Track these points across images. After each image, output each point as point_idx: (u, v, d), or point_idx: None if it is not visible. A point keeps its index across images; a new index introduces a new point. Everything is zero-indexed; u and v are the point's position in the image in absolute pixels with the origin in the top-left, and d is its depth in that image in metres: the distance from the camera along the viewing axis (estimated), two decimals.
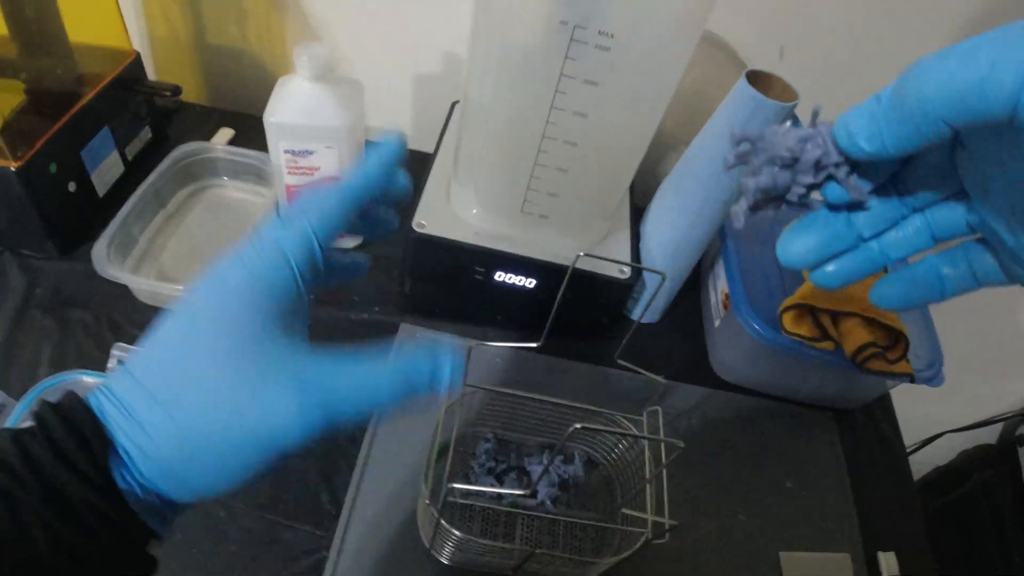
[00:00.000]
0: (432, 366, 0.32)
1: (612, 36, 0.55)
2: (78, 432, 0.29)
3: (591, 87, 0.59)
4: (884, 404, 0.90)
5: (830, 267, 0.33)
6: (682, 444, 0.48)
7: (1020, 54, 0.23)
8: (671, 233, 0.79)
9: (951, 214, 0.32)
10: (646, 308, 0.65)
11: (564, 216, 0.74)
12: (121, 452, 0.30)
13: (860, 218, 0.32)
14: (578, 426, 0.42)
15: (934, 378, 0.76)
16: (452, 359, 0.33)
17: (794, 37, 0.90)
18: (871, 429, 0.88)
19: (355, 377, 0.32)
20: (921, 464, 1.45)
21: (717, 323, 0.85)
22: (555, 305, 0.53)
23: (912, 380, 0.75)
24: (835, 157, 0.30)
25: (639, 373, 0.59)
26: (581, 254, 0.49)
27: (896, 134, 0.27)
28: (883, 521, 0.79)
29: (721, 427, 0.83)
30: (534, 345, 0.56)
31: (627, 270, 0.76)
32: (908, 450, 1.06)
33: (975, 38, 0.24)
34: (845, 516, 0.78)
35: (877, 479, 0.83)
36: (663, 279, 0.74)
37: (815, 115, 0.31)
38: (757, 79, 0.65)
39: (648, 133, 0.67)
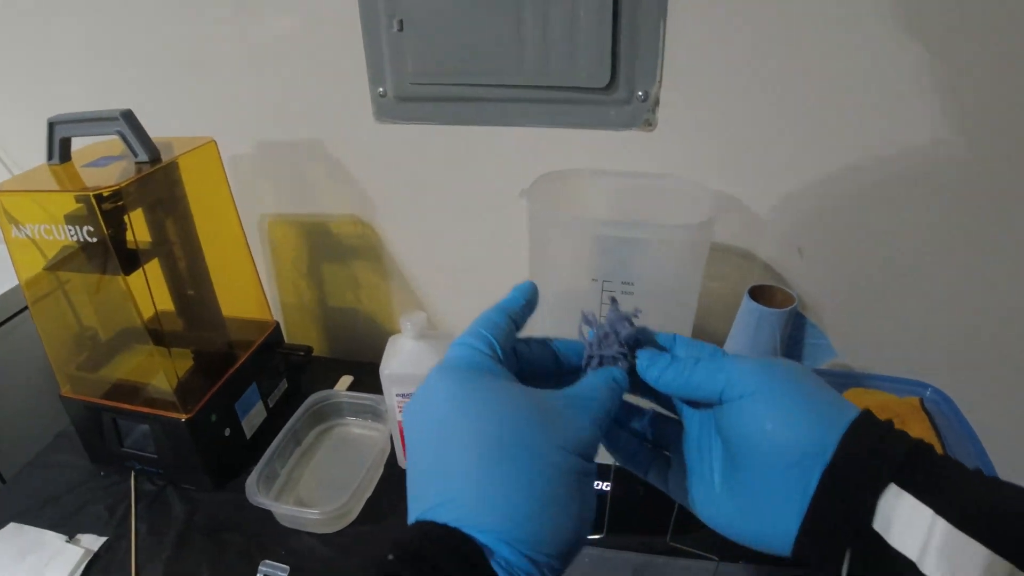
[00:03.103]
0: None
1: (632, 284, 0.71)
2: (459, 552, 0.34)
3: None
4: None
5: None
6: None
7: (732, 378, 0.41)
8: None
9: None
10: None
11: None
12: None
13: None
14: None
15: None
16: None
17: (811, 239, 1.03)
18: None
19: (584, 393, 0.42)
20: None
21: None
22: (607, 499, 0.65)
23: None
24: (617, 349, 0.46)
25: (697, 555, 0.70)
26: (615, 463, 0.62)
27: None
28: None
29: None
30: (596, 537, 0.68)
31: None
32: None
33: (720, 364, 0.43)
34: None
35: None
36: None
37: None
38: (762, 291, 0.80)
39: None
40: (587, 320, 0.48)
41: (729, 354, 0.45)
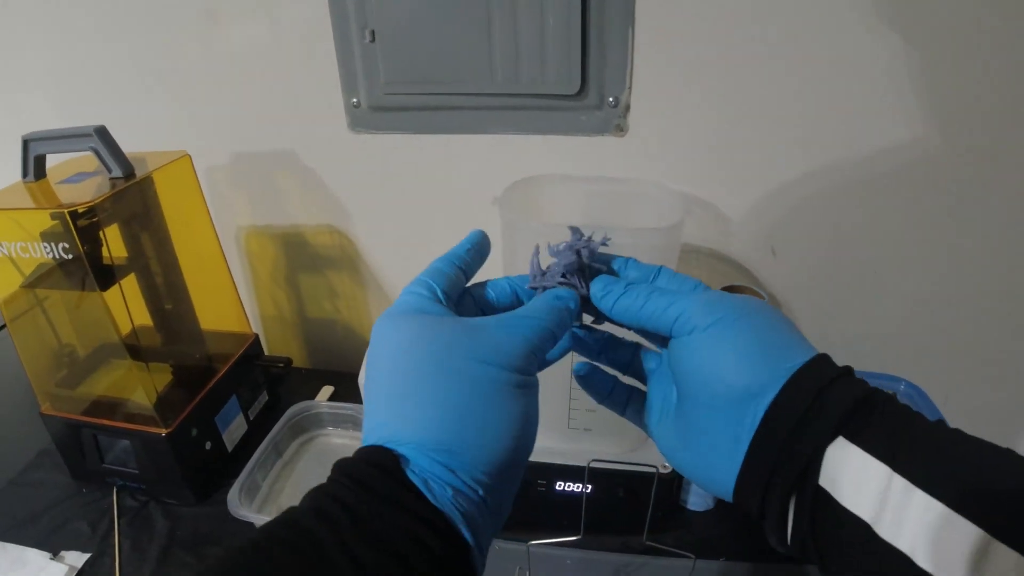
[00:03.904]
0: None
1: None
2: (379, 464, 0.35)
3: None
4: None
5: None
6: None
7: (683, 313, 0.41)
8: None
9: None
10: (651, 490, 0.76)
11: (604, 426, 0.88)
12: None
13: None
14: None
15: None
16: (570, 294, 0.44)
17: (783, 239, 1.04)
18: None
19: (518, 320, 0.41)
20: None
21: None
22: (583, 500, 0.66)
23: None
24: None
25: (673, 553, 0.70)
26: (588, 463, 0.63)
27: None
28: None
29: None
30: (574, 538, 0.68)
31: (669, 465, 0.87)
32: None
33: (674, 297, 0.42)
34: None
35: None
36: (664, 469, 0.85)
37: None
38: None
39: None
40: (536, 253, 0.48)
41: (709, 289, 0.44)
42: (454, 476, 0.35)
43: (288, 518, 0.34)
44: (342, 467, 0.36)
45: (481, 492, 0.36)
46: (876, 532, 0.33)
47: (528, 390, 0.39)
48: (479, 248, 0.49)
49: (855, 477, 0.34)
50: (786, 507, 0.37)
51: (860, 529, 0.33)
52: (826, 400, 0.36)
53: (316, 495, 0.35)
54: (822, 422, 0.35)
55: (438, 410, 0.36)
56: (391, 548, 0.33)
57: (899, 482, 0.33)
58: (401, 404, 0.37)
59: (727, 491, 0.40)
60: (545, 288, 0.46)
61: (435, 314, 0.41)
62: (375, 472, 0.35)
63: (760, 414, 0.37)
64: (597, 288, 0.45)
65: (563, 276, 0.46)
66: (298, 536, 0.33)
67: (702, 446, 0.41)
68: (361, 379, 0.90)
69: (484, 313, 0.47)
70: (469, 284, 0.48)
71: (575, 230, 0.48)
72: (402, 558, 0.33)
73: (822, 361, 0.38)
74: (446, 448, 0.35)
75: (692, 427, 0.41)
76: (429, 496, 0.35)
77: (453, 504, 0.35)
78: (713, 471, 0.40)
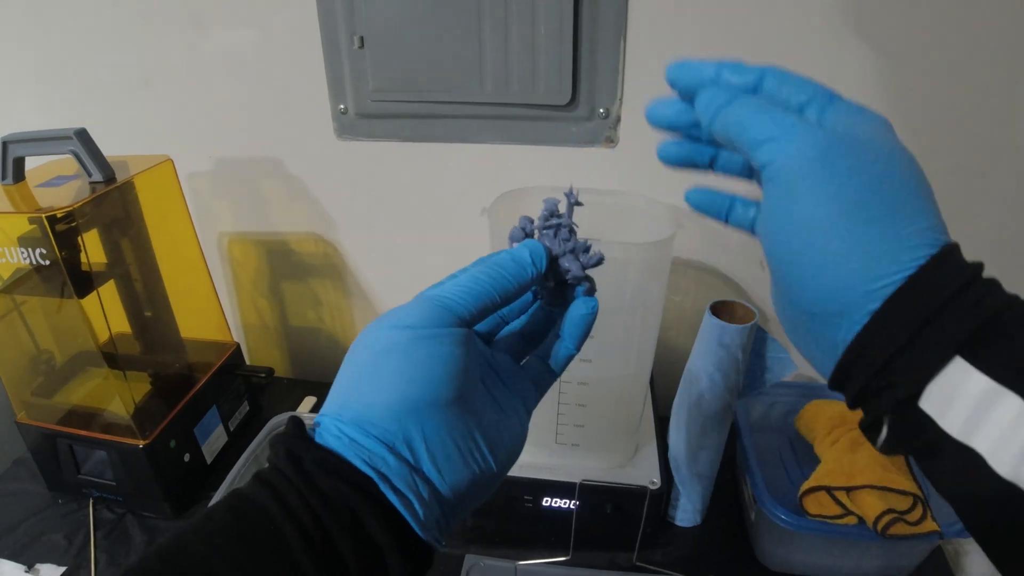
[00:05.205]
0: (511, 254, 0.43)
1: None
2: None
3: (589, 339, 0.75)
4: (937, 565, 0.89)
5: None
6: None
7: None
8: (687, 441, 0.89)
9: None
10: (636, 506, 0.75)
11: (592, 442, 0.87)
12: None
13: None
14: None
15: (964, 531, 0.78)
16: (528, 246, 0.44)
17: None
18: None
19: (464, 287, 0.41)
20: None
21: (752, 516, 0.89)
22: (572, 517, 0.65)
23: (941, 537, 0.77)
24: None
25: (659, 572, 0.69)
26: (580, 482, 0.62)
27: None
28: None
29: None
30: (563, 559, 0.67)
31: (657, 480, 0.86)
32: None
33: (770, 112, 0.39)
34: None
35: None
36: (653, 485, 0.83)
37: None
38: (723, 307, 0.80)
39: (646, 368, 0.82)
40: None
41: (840, 98, 0.39)
42: (347, 426, 0.37)
43: (235, 491, 0.37)
44: (274, 442, 0.38)
45: (380, 437, 0.37)
46: (992, 466, 0.29)
47: (430, 341, 0.39)
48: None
49: (973, 404, 0.30)
50: (879, 423, 0.35)
51: (970, 460, 0.30)
52: (935, 327, 0.31)
53: (258, 471, 0.38)
54: (928, 352, 0.31)
55: (346, 379, 0.39)
56: (315, 492, 0.35)
57: None
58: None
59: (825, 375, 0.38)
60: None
61: None
62: (282, 443, 0.38)
63: (849, 338, 0.35)
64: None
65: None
66: (245, 503, 0.35)
67: (799, 325, 0.40)
68: None
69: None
70: None
71: (547, 201, 0.48)
72: (326, 499, 0.35)
73: (940, 265, 0.33)
74: (342, 403, 0.38)
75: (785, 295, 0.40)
76: (319, 440, 0.37)
77: (350, 449, 0.36)
78: (812, 356, 0.39)
